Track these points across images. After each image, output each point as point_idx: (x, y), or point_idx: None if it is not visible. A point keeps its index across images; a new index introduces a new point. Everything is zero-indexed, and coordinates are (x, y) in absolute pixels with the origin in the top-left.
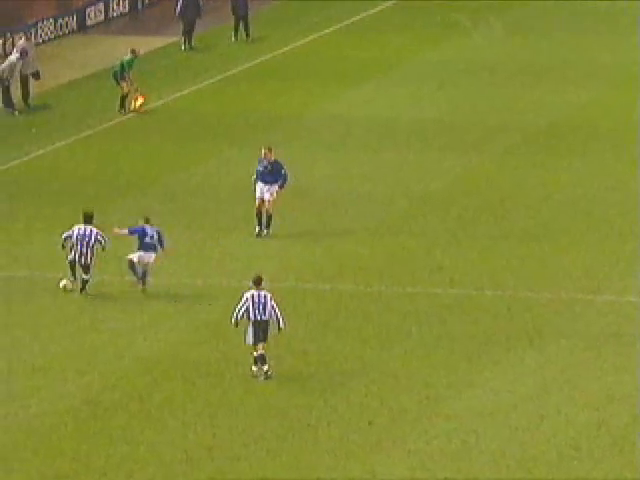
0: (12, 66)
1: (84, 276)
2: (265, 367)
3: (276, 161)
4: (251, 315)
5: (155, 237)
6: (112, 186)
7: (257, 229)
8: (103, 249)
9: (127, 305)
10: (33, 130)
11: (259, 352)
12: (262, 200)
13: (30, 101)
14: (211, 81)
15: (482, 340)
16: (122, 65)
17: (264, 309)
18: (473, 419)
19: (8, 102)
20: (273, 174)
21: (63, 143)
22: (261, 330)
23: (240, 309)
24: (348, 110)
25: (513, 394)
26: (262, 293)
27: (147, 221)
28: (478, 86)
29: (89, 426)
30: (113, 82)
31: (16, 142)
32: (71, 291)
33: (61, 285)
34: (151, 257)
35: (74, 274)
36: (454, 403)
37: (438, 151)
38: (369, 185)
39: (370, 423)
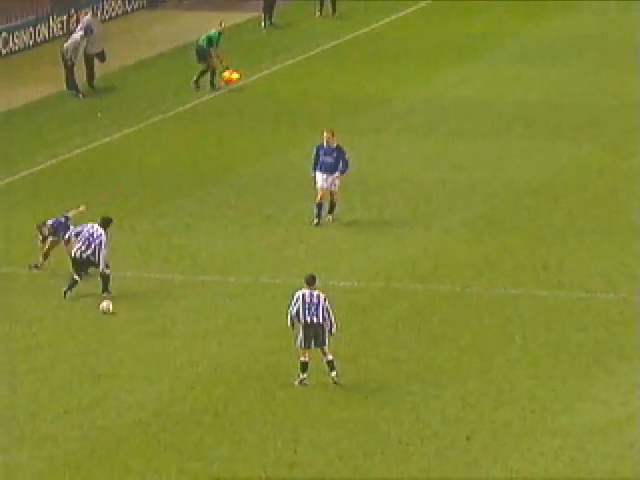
0: (76, 45)
1: (105, 271)
2: (333, 374)
3: (339, 146)
4: (301, 317)
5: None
6: (185, 176)
7: (316, 220)
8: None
9: (200, 308)
10: (99, 115)
11: (306, 358)
12: (325, 191)
13: (95, 83)
14: (292, 61)
15: (593, 348)
16: (208, 40)
17: (316, 310)
18: (583, 435)
19: (72, 84)
20: (335, 161)
21: (132, 129)
22: (312, 333)
23: (291, 310)
24: (442, 93)
25: (627, 407)
26: (315, 293)
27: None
28: (589, 65)
29: (159, 440)
30: (195, 58)
31: (80, 128)
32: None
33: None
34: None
35: (78, 273)
36: (562, 418)
37: (544, 137)
38: (466, 175)
39: (468, 439)
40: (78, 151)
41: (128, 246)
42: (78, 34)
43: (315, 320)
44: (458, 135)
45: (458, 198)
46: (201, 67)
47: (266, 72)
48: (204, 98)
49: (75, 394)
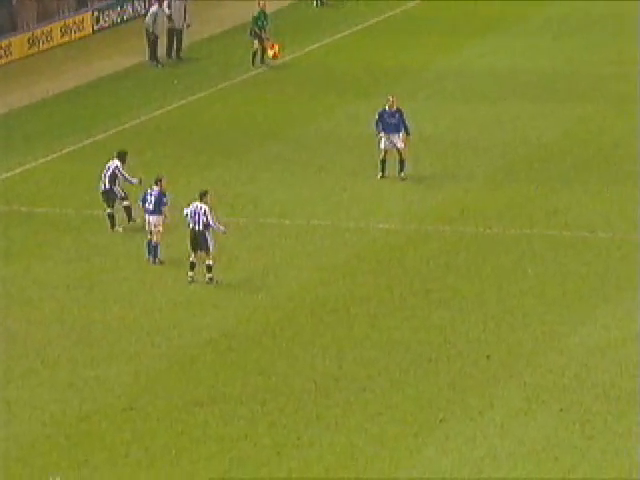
0: (153, 17)
1: (124, 203)
2: (209, 275)
3: (399, 109)
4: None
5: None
6: (248, 135)
7: (380, 174)
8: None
9: (260, 246)
10: (175, 82)
11: (191, 259)
12: (387, 151)
13: (182, 54)
14: (339, 35)
15: (594, 279)
16: (253, 20)
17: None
18: (585, 354)
19: (153, 55)
20: (398, 122)
21: (202, 94)
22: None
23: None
24: (469, 63)
25: (623, 331)
26: (199, 205)
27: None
28: (592, 39)
29: (226, 357)
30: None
31: (159, 93)
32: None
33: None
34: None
35: (109, 205)
36: (567, 339)
37: (554, 101)
38: (489, 134)
39: (488, 357)
40: (157, 113)
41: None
42: (154, 7)
43: (197, 228)
44: (482, 99)
45: (481, 153)
46: (254, 46)
47: (317, 45)
48: (263, 69)
49: (155, 318)
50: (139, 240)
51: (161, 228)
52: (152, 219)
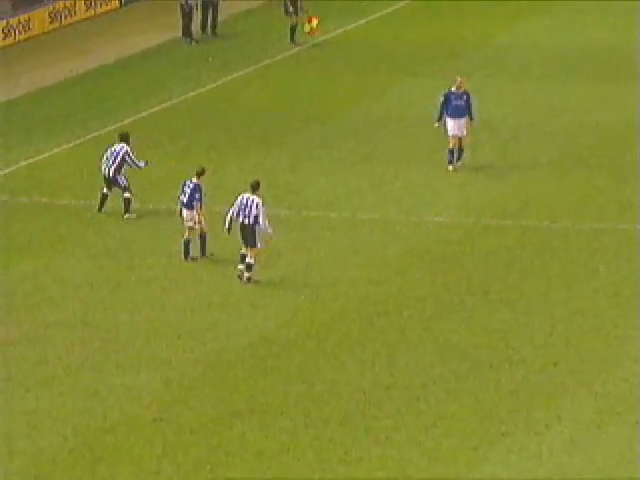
0: None
1: (125, 194)
2: (247, 274)
3: (467, 91)
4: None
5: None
6: (290, 118)
7: (450, 167)
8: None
9: (303, 241)
10: (210, 60)
11: (242, 251)
12: (457, 137)
13: (218, 30)
14: (389, 10)
15: None
16: None
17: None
18: None
19: (187, 32)
20: (466, 104)
21: (240, 73)
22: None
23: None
24: (534, 38)
25: None
26: (251, 197)
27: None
28: None
29: (265, 363)
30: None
31: (193, 73)
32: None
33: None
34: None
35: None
36: None
37: (629, 82)
38: (554, 117)
39: (555, 364)
40: (191, 94)
41: (236, 184)
42: None
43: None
44: (547, 78)
45: (546, 138)
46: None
47: (363, 21)
48: (306, 45)
49: (188, 320)
50: (169, 234)
51: (195, 224)
52: (185, 213)
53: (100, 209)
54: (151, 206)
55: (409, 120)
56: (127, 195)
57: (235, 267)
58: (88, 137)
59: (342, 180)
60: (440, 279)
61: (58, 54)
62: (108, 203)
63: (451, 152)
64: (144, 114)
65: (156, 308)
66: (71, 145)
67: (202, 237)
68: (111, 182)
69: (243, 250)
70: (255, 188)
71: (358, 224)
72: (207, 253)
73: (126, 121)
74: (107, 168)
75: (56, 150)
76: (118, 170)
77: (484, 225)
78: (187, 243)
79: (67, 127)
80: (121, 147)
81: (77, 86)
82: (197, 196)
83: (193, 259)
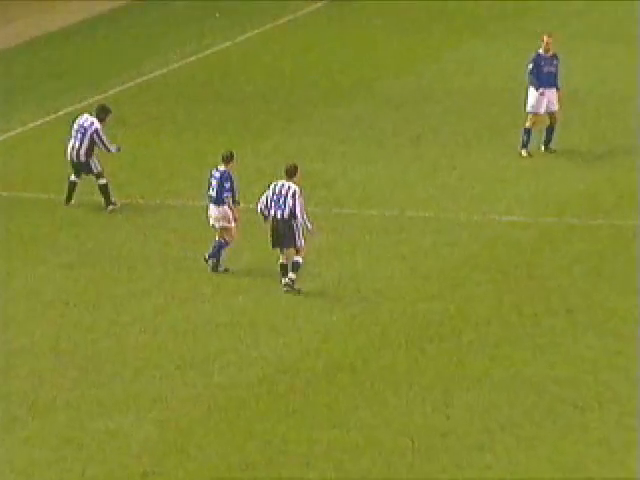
0: None
1: (100, 181)
2: (292, 275)
3: (555, 54)
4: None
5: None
6: (318, 89)
7: (524, 151)
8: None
9: (336, 246)
10: (217, 15)
11: (281, 260)
12: (541, 115)
13: None
14: None
15: None
16: None
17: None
18: None
19: None
20: (556, 71)
21: (255, 32)
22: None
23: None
24: None
25: None
26: (286, 185)
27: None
28: None
29: (287, 402)
30: None
31: (195, 31)
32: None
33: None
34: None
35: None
36: None
37: None
38: None
39: None
40: (192, 58)
41: (250, 172)
42: None
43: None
44: None
45: None
46: None
47: None
48: (323, 1)
49: (188, 347)
50: (164, 237)
51: (228, 223)
52: (213, 210)
53: (68, 201)
54: (142, 201)
55: (469, 92)
56: (103, 181)
57: (280, 282)
58: (60, 113)
59: (384, 169)
60: (509, 295)
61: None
62: (84, 197)
63: (527, 132)
64: (131, 84)
65: (148, 331)
66: (39, 123)
67: (220, 243)
68: (81, 168)
69: (282, 259)
70: (292, 173)
71: (405, 224)
72: (221, 265)
73: (110, 92)
74: (75, 151)
75: (19, 130)
76: (89, 152)
77: (567, 225)
78: (218, 248)
79: (31, 101)
80: (90, 123)
81: (38, 51)
82: (227, 186)
83: (226, 270)
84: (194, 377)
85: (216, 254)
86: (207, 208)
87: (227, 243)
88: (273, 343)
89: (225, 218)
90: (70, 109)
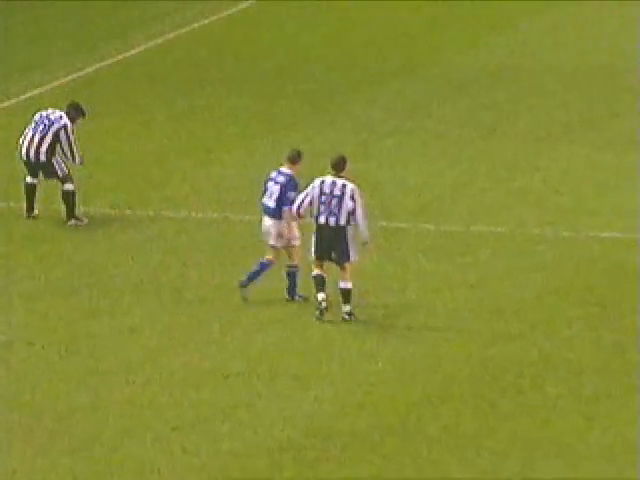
0: None
1: (65, 186)
2: (346, 307)
3: None
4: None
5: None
6: (356, 67)
7: None
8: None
9: (385, 266)
10: None
11: (317, 271)
12: None
13: None
14: None
15: None
16: None
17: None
18: None
19: None
20: None
21: None
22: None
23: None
24: None
25: None
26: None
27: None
28: None
29: (318, 473)
30: None
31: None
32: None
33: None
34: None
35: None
36: None
37: None
38: None
39: None
40: (195, 25)
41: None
42: None
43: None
44: None
45: None
46: None
47: None
48: None
49: (189, 403)
50: (159, 257)
51: (294, 242)
52: (272, 225)
53: (30, 211)
54: (129, 212)
55: (555, 70)
56: (69, 187)
57: (318, 310)
58: (22, 97)
59: (445, 169)
60: (610, 334)
61: None
62: (52, 204)
63: None
64: (110, 61)
65: (136, 381)
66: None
67: (292, 273)
68: (40, 169)
69: (317, 270)
70: (340, 167)
71: (472, 242)
72: (296, 294)
73: (87, 70)
74: (33, 146)
75: None
76: (51, 150)
77: None
78: (263, 266)
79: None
80: (58, 117)
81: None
82: (291, 195)
83: (303, 298)
84: (197, 442)
85: (255, 276)
86: (262, 221)
87: (271, 263)
88: (300, 397)
89: (290, 235)
90: (36, 92)
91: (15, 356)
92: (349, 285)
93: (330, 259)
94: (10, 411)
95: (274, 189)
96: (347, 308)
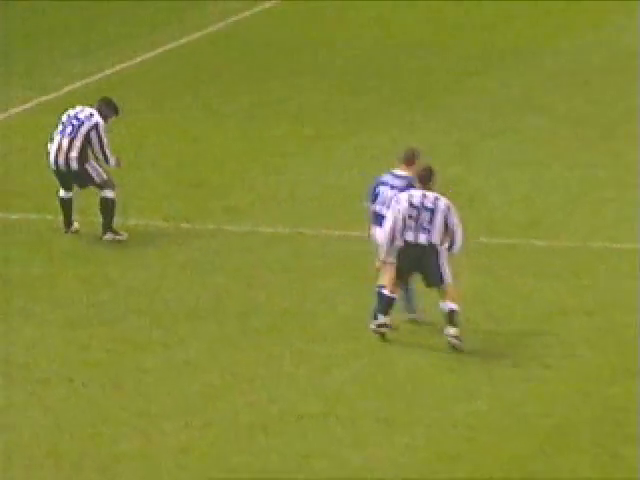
0: None
1: (104, 193)
2: (452, 330)
3: None
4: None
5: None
6: (448, 51)
7: None
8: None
9: (489, 289)
10: None
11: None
12: None
13: None
14: None
15: None
16: None
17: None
18: None
19: None
20: None
21: None
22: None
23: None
24: None
25: None
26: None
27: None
28: None
29: None
30: None
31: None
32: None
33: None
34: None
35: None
36: None
37: None
38: None
39: None
40: (230, 20)
41: (349, 182)
42: None
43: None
44: None
45: None
46: None
47: None
48: None
49: (258, 448)
50: (221, 280)
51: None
52: (378, 234)
53: (68, 226)
54: (186, 225)
55: None
56: (108, 194)
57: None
58: (43, 99)
59: (559, 175)
60: None
61: None
62: (93, 217)
63: None
64: (156, 51)
65: (193, 425)
66: (19, 110)
67: (389, 298)
68: (73, 178)
69: (389, 290)
70: (427, 179)
71: (591, 261)
72: (416, 312)
73: (117, 67)
74: (60, 155)
75: None
76: (83, 155)
77: None
78: (384, 298)
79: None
80: (88, 115)
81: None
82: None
83: (389, 326)
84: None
85: (386, 308)
86: (372, 234)
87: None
88: (387, 444)
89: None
90: (68, 89)
91: (52, 394)
92: (454, 306)
93: (429, 284)
94: (46, 458)
95: (389, 195)
96: (453, 331)
